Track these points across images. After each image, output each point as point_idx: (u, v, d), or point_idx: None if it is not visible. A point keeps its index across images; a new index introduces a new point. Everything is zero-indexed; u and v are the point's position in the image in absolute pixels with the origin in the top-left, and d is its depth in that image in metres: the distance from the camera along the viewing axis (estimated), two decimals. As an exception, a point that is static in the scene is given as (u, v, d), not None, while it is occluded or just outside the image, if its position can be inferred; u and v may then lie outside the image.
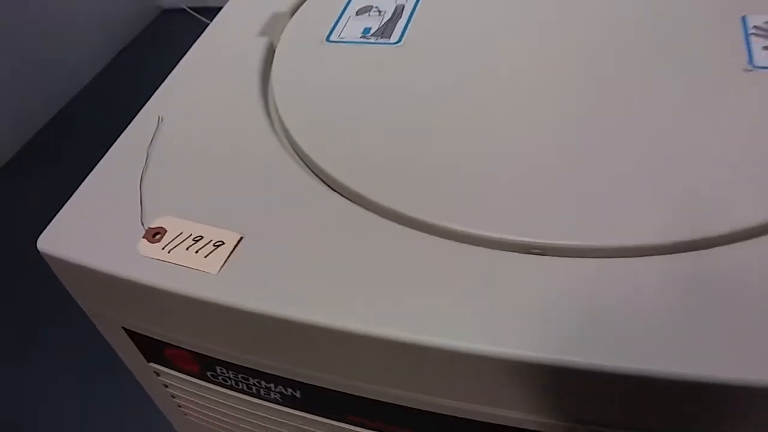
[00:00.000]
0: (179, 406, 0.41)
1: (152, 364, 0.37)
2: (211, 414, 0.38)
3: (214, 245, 0.30)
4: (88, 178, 0.35)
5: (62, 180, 0.62)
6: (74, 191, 0.35)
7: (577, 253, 0.27)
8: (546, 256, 0.27)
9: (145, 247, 0.30)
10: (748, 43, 0.36)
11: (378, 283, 0.27)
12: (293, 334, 0.28)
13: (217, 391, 0.35)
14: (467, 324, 0.25)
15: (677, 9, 0.39)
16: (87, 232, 0.32)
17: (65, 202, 0.34)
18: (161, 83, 0.41)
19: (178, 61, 0.43)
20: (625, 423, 0.26)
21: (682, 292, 0.25)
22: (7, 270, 1.01)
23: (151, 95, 0.40)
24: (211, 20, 0.47)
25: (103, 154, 0.37)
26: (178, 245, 0.30)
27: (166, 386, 0.39)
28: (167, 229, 0.31)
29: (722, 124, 0.32)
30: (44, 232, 0.32)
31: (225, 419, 0.38)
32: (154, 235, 0.31)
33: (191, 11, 1.79)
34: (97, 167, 0.36)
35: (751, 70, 0.34)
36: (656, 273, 0.26)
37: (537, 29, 0.40)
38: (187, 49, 0.44)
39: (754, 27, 0.37)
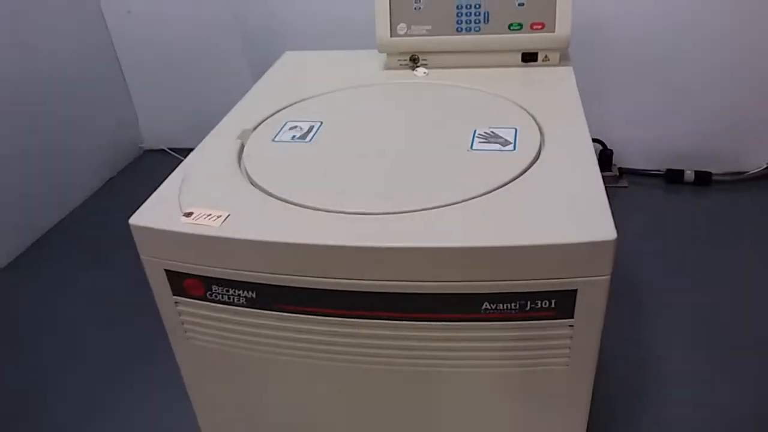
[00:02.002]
0: (185, 332, 0.73)
1: (175, 297, 0.70)
2: (206, 329, 0.71)
3: (216, 217, 0.65)
4: (156, 192, 0.71)
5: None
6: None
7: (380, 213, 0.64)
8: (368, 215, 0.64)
9: (184, 219, 0.66)
10: (473, 139, 0.76)
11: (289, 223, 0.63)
12: (253, 249, 0.63)
13: (211, 306, 0.69)
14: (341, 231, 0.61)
15: (445, 121, 0.81)
16: (157, 215, 0.67)
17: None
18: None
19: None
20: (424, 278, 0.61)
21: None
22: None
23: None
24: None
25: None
26: (198, 217, 0.65)
27: (180, 314, 0.71)
28: (194, 212, 0.66)
29: (444, 163, 0.71)
30: (134, 215, 0.67)
31: (214, 330, 0.70)
32: (187, 215, 0.66)
33: (170, 151, 2.28)
34: (156, 194, 0.71)
35: (469, 150, 0.74)
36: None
37: (380, 132, 0.80)
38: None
39: (478, 133, 0.78)
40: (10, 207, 1.63)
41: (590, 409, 0.71)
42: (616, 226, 0.59)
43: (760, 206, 1.68)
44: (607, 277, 0.59)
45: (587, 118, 0.81)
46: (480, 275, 0.60)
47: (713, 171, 1.77)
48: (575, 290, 0.60)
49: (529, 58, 0.96)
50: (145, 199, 0.70)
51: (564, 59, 0.97)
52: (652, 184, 1.81)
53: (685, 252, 1.51)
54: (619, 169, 1.83)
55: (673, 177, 1.79)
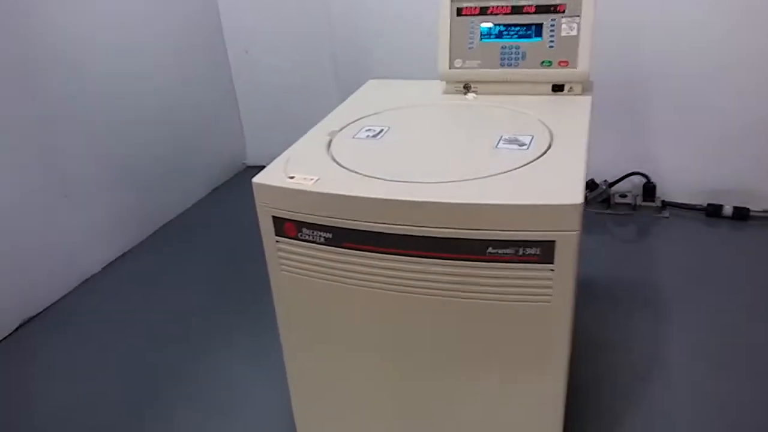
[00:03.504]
0: (281, 266, 1.02)
1: (276, 237, 1.00)
2: (296, 263, 1.00)
3: (310, 179, 0.95)
4: (270, 164, 1.02)
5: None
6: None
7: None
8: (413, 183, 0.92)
9: (288, 180, 0.96)
10: (498, 141, 1.03)
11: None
12: (331, 201, 0.92)
13: (301, 244, 0.98)
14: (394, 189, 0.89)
15: (482, 130, 1.08)
16: (270, 176, 0.98)
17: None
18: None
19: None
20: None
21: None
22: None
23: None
24: (307, 132, 1.17)
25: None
26: (297, 179, 0.95)
27: (279, 251, 1.01)
28: (295, 176, 0.97)
29: (473, 155, 0.98)
30: (255, 177, 0.98)
31: (301, 264, 0.99)
32: (291, 177, 0.96)
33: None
34: (270, 165, 1.02)
35: (494, 148, 1.01)
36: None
37: (432, 135, 1.09)
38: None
39: (503, 138, 1.04)
40: (129, 205, 2.02)
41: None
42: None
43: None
44: (577, 232, 0.84)
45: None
46: (486, 225, 0.86)
47: (751, 207, 1.92)
48: (554, 241, 0.85)
49: (557, 88, 1.22)
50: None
51: (587, 90, 1.22)
52: (693, 216, 1.98)
53: (713, 280, 1.68)
54: (663, 201, 2.01)
55: (712, 211, 1.95)
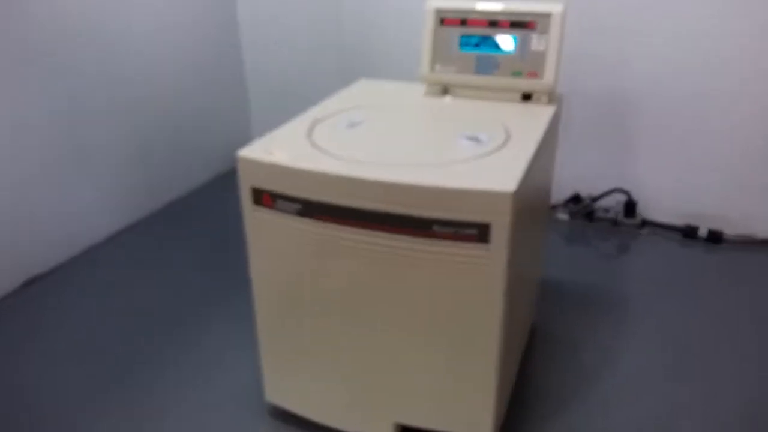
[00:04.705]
0: (258, 232, 1.15)
1: (255, 206, 1.13)
2: (271, 230, 1.13)
3: (287, 156, 1.08)
4: (254, 142, 1.15)
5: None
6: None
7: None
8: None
9: (268, 156, 1.09)
10: (459, 137, 1.15)
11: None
12: (303, 176, 1.04)
13: (275, 213, 1.10)
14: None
15: (449, 127, 1.20)
16: (253, 152, 1.11)
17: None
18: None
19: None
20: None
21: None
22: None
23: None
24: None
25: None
26: (276, 155, 1.08)
27: (256, 219, 1.14)
28: (275, 153, 1.10)
29: (435, 147, 1.10)
30: (239, 152, 1.11)
31: (276, 231, 1.12)
32: (270, 153, 1.10)
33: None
34: (254, 143, 1.16)
35: (454, 142, 1.13)
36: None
37: (404, 129, 1.21)
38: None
39: (465, 135, 1.16)
40: (137, 182, 2.17)
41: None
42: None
43: (765, 268, 1.90)
44: (509, 217, 0.95)
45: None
46: (431, 204, 0.98)
47: (725, 231, 2.01)
48: (489, 224, 0.96)
49: (526, 97, 1.34)
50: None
51: (553, 101, 1.34)
52: (670, 236, 2.08)
53: (679, 296, 1.77)
54: (642, 219, 2.10)
55: (688, 232, 2.05)
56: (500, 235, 0.97)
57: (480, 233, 0.98)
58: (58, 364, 1.51)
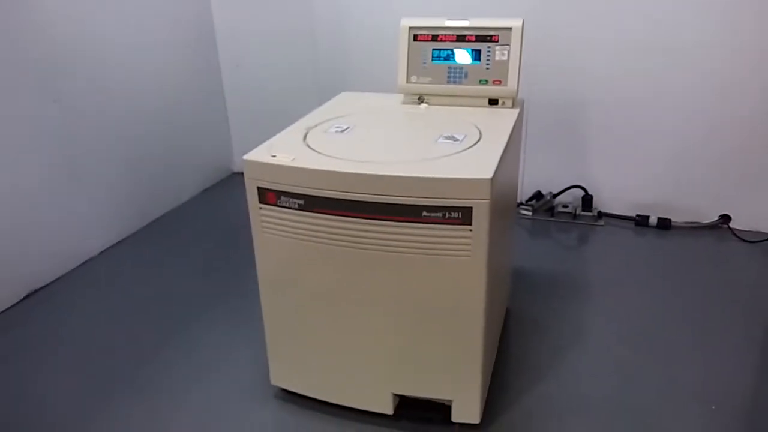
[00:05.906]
0: (263, 229, 1.28)
1: (260, 204, 1.26)
2: (275, 226, 1.26)
3: (288, 158, 1.22)
4: (258, 147, 1.28)
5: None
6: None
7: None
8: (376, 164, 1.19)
9: (272, 157, 1.22)
10: (438, 138, 1.31)
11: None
12: (303, 174, 1.18)
13: (279, 209, 1.24)
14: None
15: (427, 130, 1.36)
16: (257, 155, 1.24)
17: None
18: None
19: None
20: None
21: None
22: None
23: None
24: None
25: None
26: (278, 157, 1.22)
27: (261, 216, 1.27)
28: (276, 155, 1.23)
29: (416, 147, 1.26)
30: (246, 155, 1.25)
31: (280, 226, 1.25)
32: (273, 156, 1.23)
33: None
34: (258, 148, 1.29)
35: (434, 142, 1.29)
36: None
37: (388, 133, 1.36)
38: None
39: (442, 135, 1.32)
40: (128, 197, 2.27)
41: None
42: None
43: (709, 250, 2.11)
44: (488, 201, 1.11)
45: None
46: (421, 193, 1.13)
47: (673, 219, 2.22)
48: (471, 207, 1.12)
49: (493, 102, 1.51)
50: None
51: (516, 105, 1.51)
52: (624, 225, 2.28)
53: (636, 278, 1.96)
54: (599, 212, 2.30)
55: (640, 221, 2.25)
56: (481, 217, 1.13)
57: (463, 216, 1.13)
58: (63, 372, 1.59)
